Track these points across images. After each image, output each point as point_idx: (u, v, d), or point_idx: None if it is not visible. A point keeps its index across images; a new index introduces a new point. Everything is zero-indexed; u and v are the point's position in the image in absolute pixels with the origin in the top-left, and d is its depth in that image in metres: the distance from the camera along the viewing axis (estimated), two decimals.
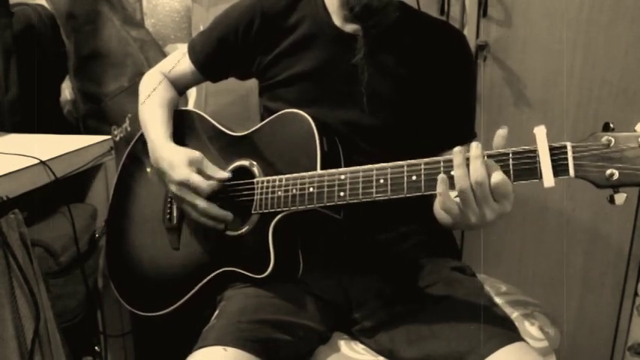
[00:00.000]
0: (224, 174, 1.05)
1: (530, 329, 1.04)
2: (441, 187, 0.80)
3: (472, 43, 1.59)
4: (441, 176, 0.80)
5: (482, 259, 1.74)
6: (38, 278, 1.12)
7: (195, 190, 1.04)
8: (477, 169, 0.78)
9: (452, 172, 0.81)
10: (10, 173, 1.12)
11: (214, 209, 1.04)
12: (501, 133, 0.80)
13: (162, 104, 1.18)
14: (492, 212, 0.79)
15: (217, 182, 1.05)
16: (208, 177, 1.05)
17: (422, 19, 1.15)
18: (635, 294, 1.69)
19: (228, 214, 1.05)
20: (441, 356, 0.90)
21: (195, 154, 1.06)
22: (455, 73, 1.10)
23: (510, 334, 0.90)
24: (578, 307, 1.74)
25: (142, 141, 1.19)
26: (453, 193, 0.80)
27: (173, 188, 1.06)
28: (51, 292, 1.20)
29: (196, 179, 1.03)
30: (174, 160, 1.06)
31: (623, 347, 1.73)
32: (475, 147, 0.79)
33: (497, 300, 1.08)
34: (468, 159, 0.80)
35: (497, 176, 0.77)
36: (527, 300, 1.15)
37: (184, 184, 1.04)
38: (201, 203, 1.04)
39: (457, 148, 0.80)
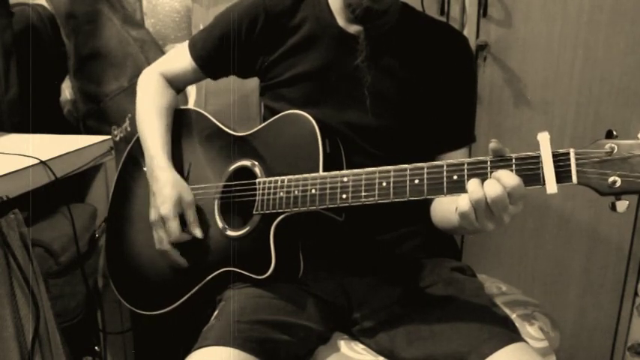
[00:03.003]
0: (198, 232, 1.07)
1: (530, 329, 1.04)
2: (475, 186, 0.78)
3: (472, 43, 1.59)
4: (472, 180, 0.79)
5: (483, 259, 1.74)
6: (38, 278, 1.12)
7: (166, 231, 1.07)
8: (492, 188, 0.77)
9: (454, 177, 0.81)
10: (10, 173, 1.12)
11: (174, 255, 1.09)
12: (494, 147, 0.79)
13: (160, 111, 1.18)
14: (509, 216, 0.78)
15: (189, 237, 1.08)
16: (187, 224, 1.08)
17: (423, 20, 1.15)
18: (635, 294, 1.69)
19: (184, 263, 1.09)
20: (441, 356, 0.90)
21: (188, 196, 1.08)
22: (455, 75, 1.10)
23: (511, 334, 0.90)
24: (578, 307, 1.74)
25: None
26: (464, 198, 0.80)
27: (152, 214, 1.09)
28: (51, 292, 1.20)
29: (173, 226, 1.07)
30: (166, 192, 1.08)
31: (623, 347, 1.73)
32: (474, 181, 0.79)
33: (497, 300, 1.08)
34: (470, 164, 0.80)
35: (512, 180, 0.76)
36: (527, 300, 1.15)
37: (162, 221, 1.07)
38: (166, 245, 1.08)
39: (472, 180, 0.79)
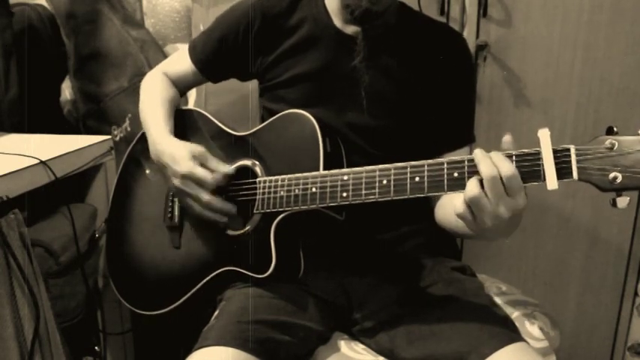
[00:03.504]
0: (228, 168, 1.05)
1: (530, 329, 1.04)
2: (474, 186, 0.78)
3: (472, 44, 1.59)
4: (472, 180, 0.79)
5: (482, 259, 1.74)
6: (38, 278, 1.12)
7: (199, 182, 1.03)
8: (487, 166, 0.77)
9: (455, 174, 0.81)
10: (10, 173, 1.12)
11: (218, 202, 1.03)
12: (507, 139, 0.79)
13: (164, 102, 1.18)
14: (507, 209, 0.77)
15: (222, 175, 1.04)
16: (212, 171, 1.04)
17: (421, 21, 1.15)
18: (635, 294, 1.69)
19: (232, 207, 1.04)
20: (441, 356, 0.90)
21: (198, 147, 1.06)
22: (454, 75, 1.10)
23: (511, 334, 0.90)
24: (578, 307, 1.74)
25: (143, 141, 1.19)
26: (460, 197, 0.79)
27: (176, 182, 1.05)
28: (51, 292, 1.20)
29: (201, 172, 1.03)
30: (177, 153, 1.05)
31: (623, 347, 1.73)
32: (479, 151, 0.79)
33: (497, 300, 1.08)
34: (470, 161, 0.80)
35: (509, 169, 0.76)
36: (527, 300, 1.15)
37: (188, 177, 1.03)
38: (206, 196, 1.03)
39: (477, 150, 0.79)
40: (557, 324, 1.10)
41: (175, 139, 1.11)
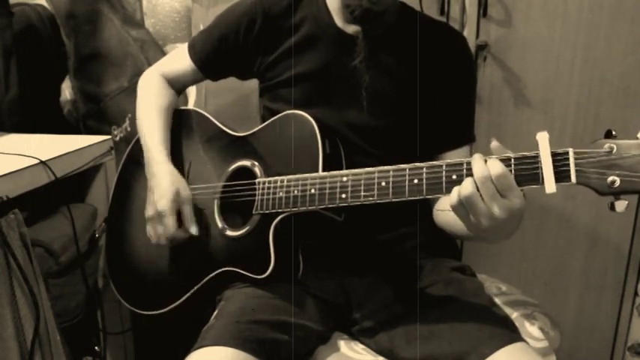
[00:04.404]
0: (193, 229, 1.07)
1: (530, 329, 1.04)
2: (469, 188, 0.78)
3: (472, 43, 1.59)
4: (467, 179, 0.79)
5: (482, 259, 1.74)
6: (38, 278, 1.12)
7: (163, 227, 1.06)
8: (479, 167, 0.77)
9: (453, 177, 0.81)
10: (10, 173, 1.12)
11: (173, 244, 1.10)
12: (495, 145, 0.80)
13: (160, 110, 1.18)
14: (501, 209, 0.77)
15: (183, 236, 1.07)
16: (181, 223, 1.07)
17: (422, 20, 1.15)
18: (635, 294, 1.69)
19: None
20: (441, 356, 0.90)
21: (185, 192, 1.08)
22: (454, 75, 1.10)
23: (511, 334, 0.90)
24: (578, 307, 1.74)
25: None
26: (454, 191, 0.80)
27: (148, 210, 1.09)
28: (51, 292, 1.20)
29: (169, 223, 1.06)
30: (164, 187, 1.07)
31: (623, 347, 1.73)
32: (477, 155, 0.80)
33: (497, 300, 1.08)
34: (469, 163, 0.80)
35: (497, 168, 0.76)
36: (527, 300, 1.15)
37: (160, 216, 1.06)
38: (163, 242, 1.08)
39: (477, 154, 0.80)
40: (557, 324, 1.10)
41: (170, 165, 1.11)
